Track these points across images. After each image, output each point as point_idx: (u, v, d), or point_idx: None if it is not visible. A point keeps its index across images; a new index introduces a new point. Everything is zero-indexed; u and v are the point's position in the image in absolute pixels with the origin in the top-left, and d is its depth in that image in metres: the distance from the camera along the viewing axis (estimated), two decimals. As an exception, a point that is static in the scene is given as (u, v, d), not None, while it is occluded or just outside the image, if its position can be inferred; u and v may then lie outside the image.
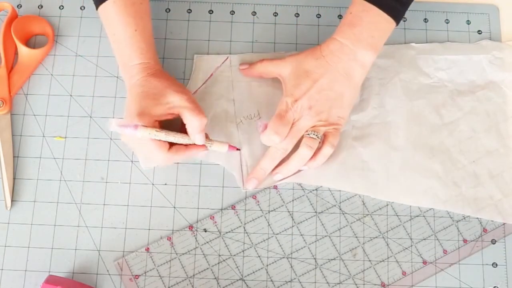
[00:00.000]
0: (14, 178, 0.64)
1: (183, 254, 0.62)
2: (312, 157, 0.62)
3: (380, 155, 0.64)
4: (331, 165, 0.64)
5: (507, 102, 0.67)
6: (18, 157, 0.65)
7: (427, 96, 0.67)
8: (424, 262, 0.62)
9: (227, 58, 0.68)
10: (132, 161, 0.65)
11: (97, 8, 0.61)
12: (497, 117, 0.66)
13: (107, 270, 0.62)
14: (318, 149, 0.62)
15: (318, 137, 0.61)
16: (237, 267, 0.62)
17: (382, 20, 0.60)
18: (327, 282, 0.61)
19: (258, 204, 0.64)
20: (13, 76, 0.66)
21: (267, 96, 0.67)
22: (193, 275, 0.61)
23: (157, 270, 0.61)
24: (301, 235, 0.63)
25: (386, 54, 0.68)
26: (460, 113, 0.67)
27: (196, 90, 0.67)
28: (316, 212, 0.64)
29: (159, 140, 0.58)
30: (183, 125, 0.59)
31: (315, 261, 0.62)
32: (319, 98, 0.61)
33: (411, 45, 0.69)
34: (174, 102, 0.58)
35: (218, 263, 0.62)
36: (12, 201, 0.63)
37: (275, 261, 0.62)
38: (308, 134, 0.61)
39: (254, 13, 0.71)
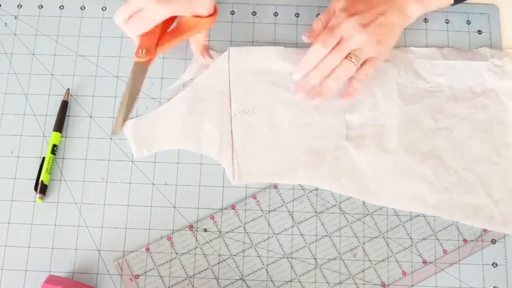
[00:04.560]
0: (14, 178, 0.64)
1: (183, 254, 0.62)
2: (350, 83, 0.64)
3: (371, 157, 0.64)
4: (322, 165, 0.64)
5: (503, 110, 0.67)
6: (18, 157, 0.65)
7: (423, 101, 0.67)
8: (424, 262, 0.62)
9: (226, 50, 0.68)
10: (132, 161, 0.65)
11: None
12: (492, 125, 0.66)
13: (107, 270, 0.62)
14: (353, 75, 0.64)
15: (357, 62, 0.62)
16: (237, 267, 0.62)
17: None
18: (327, 282, 0.61)
19: (258, 204, 0.64)
20: (166, 34, 0.61)
21: (264, 92, 0.67)
22: (193, 275, 0.62)
23: (157, 270, 0.61)
24: (301, 235, 0.63)
25: None
26: (455, 119, 0.66)
27: (192, 80, 0.67)
28: (316, 212, 0.64)
29: None
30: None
31: (315, 261, 0.62)
32: (373, 20, 0.62)
33: (410, 48, 0.69)
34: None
35: (218, 263, 0.62)
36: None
37: (275, 261, 0.62)
38: (350, 58, 0.62)
39: (254, 13, 0.71)
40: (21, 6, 0.71)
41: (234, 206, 0.64)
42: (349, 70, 0.62)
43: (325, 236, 0.63)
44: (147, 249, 0.62)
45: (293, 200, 0.64)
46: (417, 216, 0.63)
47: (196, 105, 0.66)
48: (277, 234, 0.63)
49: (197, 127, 0.65)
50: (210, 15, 0.60)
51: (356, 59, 0.62)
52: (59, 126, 0.65)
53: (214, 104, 0.66)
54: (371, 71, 0.64)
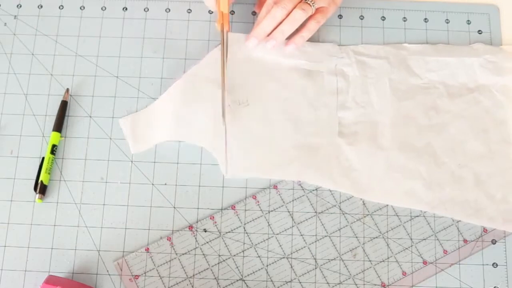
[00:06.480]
0: (14, 178, 0.64)
1: (183, 254, 0.62)
2: (298, 32, 0.65)
3: (364, 154, 0.64)
4: (315, 161, 0.64)
5: (496, 106, 0.67)
6: (18, 157, 0.65)
7: (416, 97, 0.67)
8: (424, 262, 0.62)
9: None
10: (131, 161, 0.65)
11: None
12: (485, 121, 0.66)
13: (107, 270, 0.62)
14: (304, 24, 0.65)
15: (312, 5, 0.63)
16: (237, 267, 0.62)
17: None
18: (327, 282, 0.61)
19: (258, 204, 0.64)
20: None
21: (259, 84, 0.66)
22: (193, 275, 0.61)
23: (157, 270, 0.61)
24: (301, 235, 0.63)
25: (377, 54, 0.68)
26: (448, 116, 0.66)
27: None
28: (316, 212, 0.64)
29: None
30: None
31: (315, 261, 0.62)
32: None
33: (403, 45, 0.69)
34: None
35: (218, 263, 0.62)
36: None
37: (275, 261, 0.62)
38: (306, 0, 0.63)
39: (254, 13, 0.71)
40: (20, 6, 0.70)
41: (234, 206, 0.64)
42: (305, 12, 0.63)
43: (325, 236, 0.63)
44: (147, 250, 0.62)
45: (293, 200, 0.64)
46: (417, 216, 0.63)
47: (190, 95, 0.65)
48: (277, 234, 0.63)
49: (191, 117, 0.64)
50: None
51: (312, 2, 0.63)
52: (59, 126, 0.65)
53: (208, 94, 0.65)
54: (322, 21, 0.66)
